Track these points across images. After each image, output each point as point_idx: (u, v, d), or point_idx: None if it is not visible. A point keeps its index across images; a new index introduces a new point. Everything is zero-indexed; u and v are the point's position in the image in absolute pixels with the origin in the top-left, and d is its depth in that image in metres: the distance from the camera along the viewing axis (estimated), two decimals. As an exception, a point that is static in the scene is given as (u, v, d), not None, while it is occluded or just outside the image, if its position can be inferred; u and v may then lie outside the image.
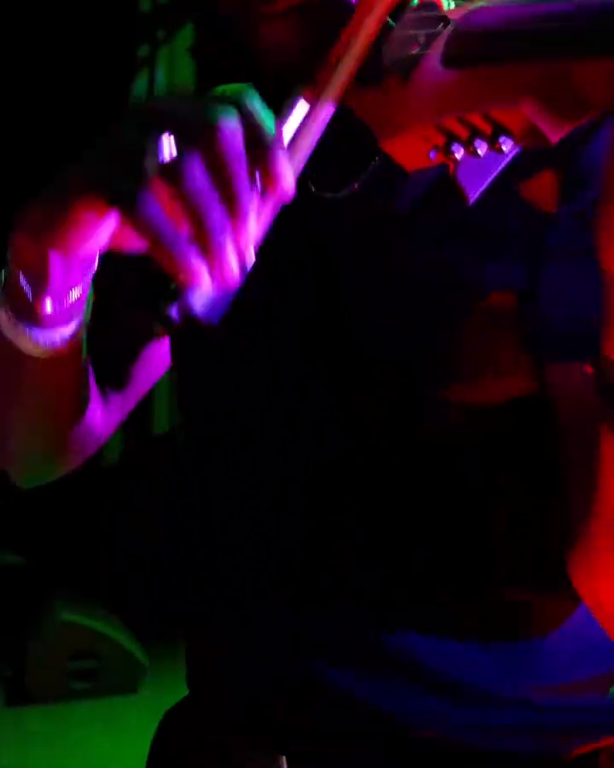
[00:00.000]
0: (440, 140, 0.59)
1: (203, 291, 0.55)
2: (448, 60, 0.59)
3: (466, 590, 0.78)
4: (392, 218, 0.75)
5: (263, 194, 0.55)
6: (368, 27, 0.61)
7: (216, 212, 0.53)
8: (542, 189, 0.62)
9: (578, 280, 0.67)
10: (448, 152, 0.59)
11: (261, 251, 0.64)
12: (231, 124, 0.54)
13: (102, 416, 0.90)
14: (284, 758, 0.81)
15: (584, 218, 0.65)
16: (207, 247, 0.53)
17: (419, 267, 0.75)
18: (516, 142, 0.57)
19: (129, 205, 0.54)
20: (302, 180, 0.76)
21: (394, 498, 0.78)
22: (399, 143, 0.61)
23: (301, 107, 0.60)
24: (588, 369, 0.61)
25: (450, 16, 0.62)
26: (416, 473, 0.77)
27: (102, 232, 0.60)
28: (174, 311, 0.56)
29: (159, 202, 0.54)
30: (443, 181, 0.69)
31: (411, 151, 0.61)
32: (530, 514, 0.76)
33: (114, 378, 0.91)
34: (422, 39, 0.61)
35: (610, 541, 0.66)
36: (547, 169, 0.67)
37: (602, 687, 0.81)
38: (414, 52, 0.61)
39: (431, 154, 0.60)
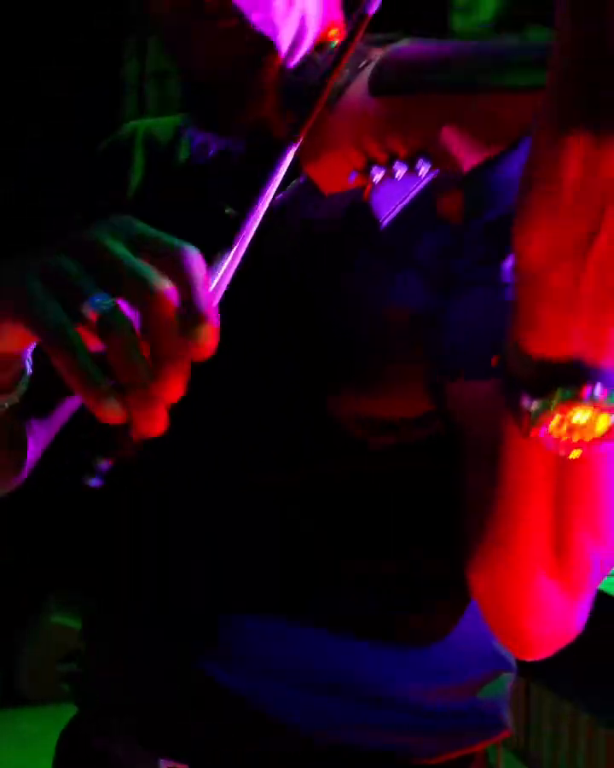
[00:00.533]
0: (360, 162, 0.62)
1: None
2: (374, 88, 0.63)
3: (360, 596, 0.83)
4: (314, 234, 0.80)
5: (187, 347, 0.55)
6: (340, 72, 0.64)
7: (142, 370, 0.52)
8: (453, 204, 0.66)
9: (480, 304, 0.72)
10: (367, 174, 0.62)
11: None
12: (168, 288, 0.53)
13: (31, 447, 0.94)
14: (162, 762, 0.84)
15: (489, 232, 0.72)
16: (130, 398, 0.53)
17: (339, 282, 0.78)
18: (432, 167, 0.60)
19: (60, 344, 0.53)
20: (219, 201, 0.80)
21: (337, 505, 0.82)
22: (321, 166, 0.64)
23: (290, 157, 0.61)
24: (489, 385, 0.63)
25: (372, 54, 0.66)
26: (349, 484, 0.81)
27: (21, 343, 0.59)
28: (102, 467, 0.57)
29: (87, 342, 0.53)
30: (359, 206, 0.74)
31: (332, 173, 0.64)
32: (430, 525, 0.82)
33: (41, 411, 0.95)
34: (347, 73, 0.65)
35: (506, 548, 0.69)
36: (458, 187, 0.71)
37: (473, 691, 0.87)
38: (339, 83, 0.65)
39: (351, 177, 0.63)
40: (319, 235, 0.80)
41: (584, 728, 1.82)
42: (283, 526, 0.83)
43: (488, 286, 0.73)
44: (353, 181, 0.63)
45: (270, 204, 0.70)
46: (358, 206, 0.75)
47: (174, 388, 0.53)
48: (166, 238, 0.56)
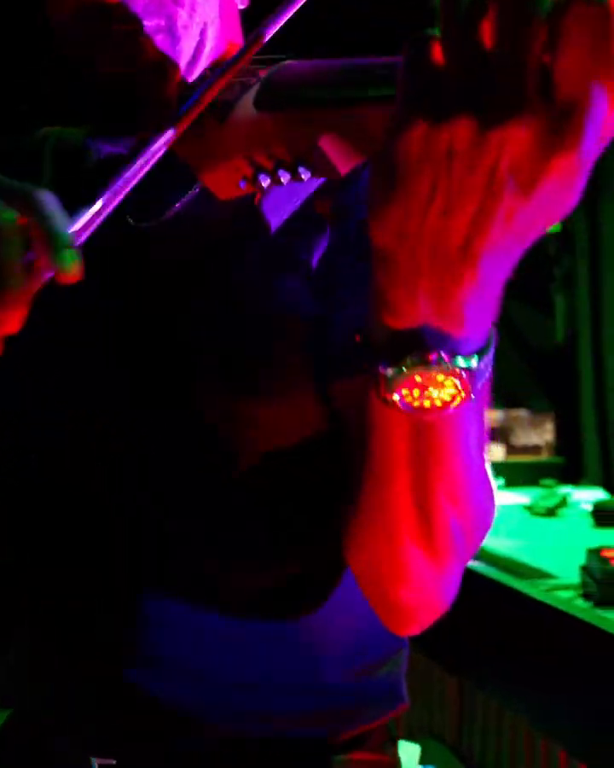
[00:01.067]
0: (249, 171, 0.68)
1: None
2: (259, 104, 0.68)
3: (257, 594, 0.87)
4: (206, 242, 0.84)
5: (44, 277, 0.60)
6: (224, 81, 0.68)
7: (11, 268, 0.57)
8: (325, 206, 0.73)
9: (356, 305, 0.78)
10: (255, 181, 0.68)
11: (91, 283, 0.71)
12: (8, 223, 0.58)
13: None
14: (95, 760, 0.87)
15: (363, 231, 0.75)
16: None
17: (228, 289, 0.83)
18: (313, 173, 0.67)
19: None
20: (121, 212, 0.82)
21: (208, 505, 0.86)
22: (213, 175, 0.70)
23: (159, 143, 0.65)
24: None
25: (260, 73, 0.72)
26: (226, 483, 0.86)
27: None
28: None
29: None
30: (250, 211, 0.79)
31: (224, 181, 0.70)
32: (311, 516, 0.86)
33: None
34: (237, 89, 0.70)
35: (374, 516, 0.77)
36: (330, 192, 0.79)
37: (374, 670, 0.92)
38: (229, 99, 0.70)
39: (241, 184, 0.69)
40: (210, 239, 0.84)
41: (508, 723, 1.90)
42: (205, 518, 0.86)
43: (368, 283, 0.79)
44: (243, 187, 0.69)
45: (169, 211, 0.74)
46: (248, 211, 0.80)
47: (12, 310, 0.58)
48: (16, 182, 0.60)
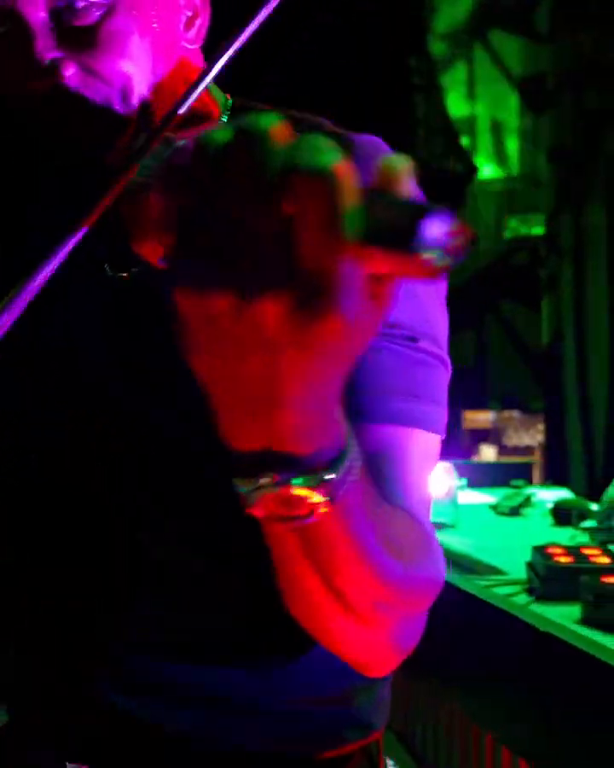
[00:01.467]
0: (160, 250, 0.69)
1: None
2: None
3: (230, 623, 0.90)
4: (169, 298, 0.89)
5: None
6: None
7: None
8: None
9: None
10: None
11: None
12: None
13: None
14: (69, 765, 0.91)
15: None
16: None
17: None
18: None
19: None
20: (100, 262, 0.87)
21: (182, 542, 0.88)
22: (141, 246, 0.71)
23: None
24: None
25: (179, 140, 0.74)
26: (226, 483, 0.89)
27: None
28: None
29: None
30: None
31: (150, 254, 0.71)
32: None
33: None
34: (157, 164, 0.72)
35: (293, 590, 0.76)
36: None
37: (348, 700, 0.95)
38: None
39: (160, 261, 0.70)
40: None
41: (446, 712, 1.99)
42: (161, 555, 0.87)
43: None
44: (160, 264, 0.69)
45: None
46: None
47: None
48: None
